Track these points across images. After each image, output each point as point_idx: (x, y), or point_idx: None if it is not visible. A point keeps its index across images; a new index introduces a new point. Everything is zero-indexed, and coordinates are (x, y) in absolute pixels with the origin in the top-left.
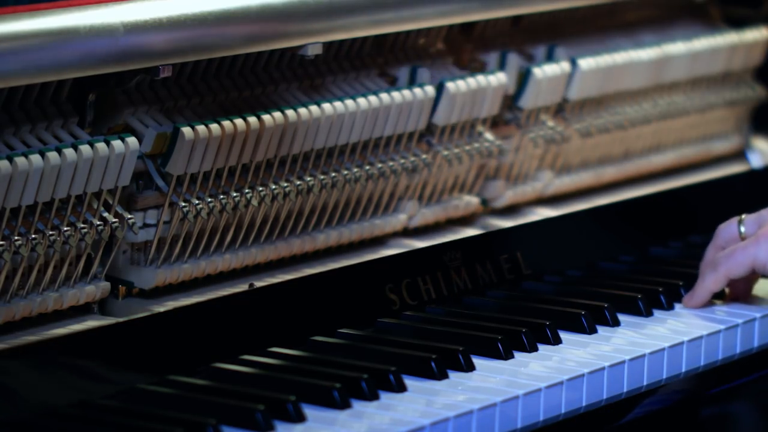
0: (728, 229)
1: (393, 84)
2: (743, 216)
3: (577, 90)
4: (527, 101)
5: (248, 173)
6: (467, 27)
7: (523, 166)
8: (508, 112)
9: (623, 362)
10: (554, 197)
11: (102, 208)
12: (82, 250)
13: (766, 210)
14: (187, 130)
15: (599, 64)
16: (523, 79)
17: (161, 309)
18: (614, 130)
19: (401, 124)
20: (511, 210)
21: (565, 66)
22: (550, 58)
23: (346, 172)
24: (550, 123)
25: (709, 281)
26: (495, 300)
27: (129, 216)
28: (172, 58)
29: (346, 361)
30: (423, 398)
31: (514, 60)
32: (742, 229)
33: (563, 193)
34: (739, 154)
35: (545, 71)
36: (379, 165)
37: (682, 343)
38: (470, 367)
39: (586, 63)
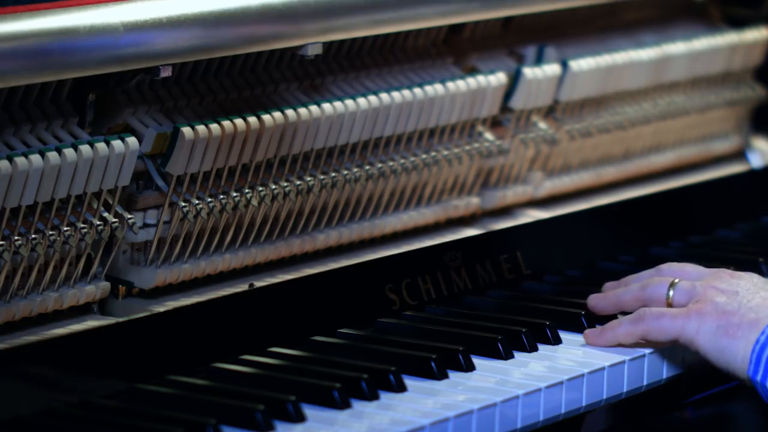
0: (657, 287)
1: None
2: (677, 280)
3: (568, 91)
4: (518, 102)
5: (248, 173)
6: (457, 28)
7: (513, 168)
8: (500, 113)
9: (623, 362)
10: (552, 198)
11: (102, 208)
12: (82, 250)
13: (700, 283)
14: (187, 130)
15: (590, 65)
16: (513, 79)
17: (161, 309)
18: (614, 130)
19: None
20: (505, 211)
21: (555, 68)
22: (540, 59)
23: (346, 172)
24: (542, 125)
25: (623, 332)
26: (495, 300)
27: (129, 216)
28: (172, 58)
29: (346, 361)
30: (423, 398)
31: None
32: (671, 293)
33: (561, 194)
34: (739, 154)
35: (536, 72)
36: (379, 165)
37: None
38: (470, 367)
39: (576, 64)
